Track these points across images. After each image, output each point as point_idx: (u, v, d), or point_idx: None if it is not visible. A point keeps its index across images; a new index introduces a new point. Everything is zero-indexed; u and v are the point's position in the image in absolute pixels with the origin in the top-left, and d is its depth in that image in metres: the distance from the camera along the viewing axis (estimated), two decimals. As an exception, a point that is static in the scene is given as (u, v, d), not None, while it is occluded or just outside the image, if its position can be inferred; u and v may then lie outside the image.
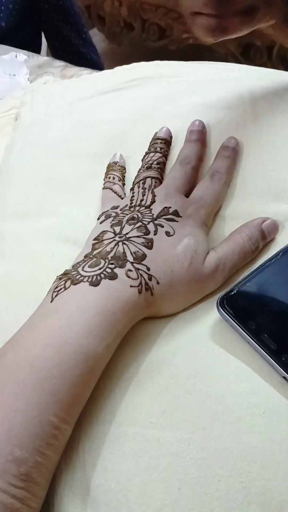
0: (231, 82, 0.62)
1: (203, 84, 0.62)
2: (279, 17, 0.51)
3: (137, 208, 0.47)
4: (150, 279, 0.42)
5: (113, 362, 0.41)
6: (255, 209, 0.49)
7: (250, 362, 0.40)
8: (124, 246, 0.43)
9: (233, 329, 0.41)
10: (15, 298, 0.47)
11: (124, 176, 0.54)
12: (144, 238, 0.44)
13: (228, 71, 0.65)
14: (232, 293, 0.42)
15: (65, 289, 0.40)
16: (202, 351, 0.41)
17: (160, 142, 0.55)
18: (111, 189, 0.52)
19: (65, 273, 0.42)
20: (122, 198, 0.51)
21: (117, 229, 0.45)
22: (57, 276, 0.43)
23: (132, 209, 0.47)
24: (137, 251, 0.43)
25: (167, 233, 0.44)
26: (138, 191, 0.49)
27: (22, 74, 0.80)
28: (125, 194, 0.52)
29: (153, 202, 0.47)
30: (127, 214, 0.47)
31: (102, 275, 0.41)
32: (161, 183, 0.51)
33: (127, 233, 0.44)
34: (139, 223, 0.45)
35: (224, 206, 0.50)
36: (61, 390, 0.35)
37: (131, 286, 0.41)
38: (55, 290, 0.41)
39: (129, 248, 0.43)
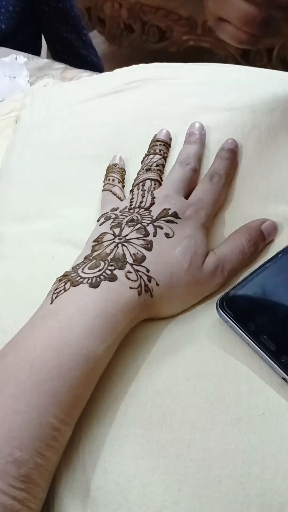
0: (230, 84, 0.62)
1: (202, 86, 0.62)
2: None
3: (136, 210, 0.47)
4: (149, 280, 0.42)
5: (113, 363, 0.41)
6: (254, 211, 0.49)
7: (250, 363, 0.40)
8: (124, 248, 0.43)
9: (232, 330, 0.41)
10: (15, 299, 0.47)
11: (124, 178, 0.55)
12: (143, 240, 0.44)
13: (227, 73, 0.65)
14: (232, 294, 0.42)
15: (65, 290, 0.40)
16: (202, 352, 0.41)
17: (160, 144, 0.55)
18: (111, 191, 0.52)
19: (65, 275, 0.42)
20: (122, 200, 0.51)
21: (117, 231, 0.45)
22: (57, 278, 0.43)
23: (131, 211, 0.47)
24: (137, 253, 0.43)
25: (167, 235, 0.45)
26: (138, 193, 0.49)
27: (22, 76, 0.80)
28: (124, 196, 0.52)
29: (152, 204, 0.48)
30: (126, 216, 0.47)
31: (102, 277, 0.41)
32: (160, 185, 0.51)
33: (126, 235, 0.45)
34: (139, 225, 0.45)
35: (223, 208, 0.51)
36: (61, 391, 0.35)
37: (130, 288, 0.41)
38: (55, 291, 0.41)
39: (128, 250, 0.43)
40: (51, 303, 0.40)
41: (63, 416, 0.35)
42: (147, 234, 0.44)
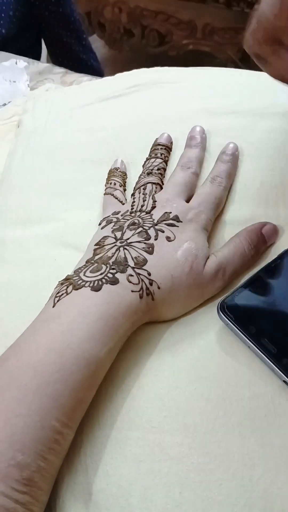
0: (231, 88, 0.62)
1: (203, 90, 0.63)
2: None
3: (138, 213, 0.47)
4: (151, 284, 0.42)
5: (115, 366, 0.41)
6: (255, 214, 0.49)
7: (251, 366, 0.40)
8: (125, 251, 0.43)
9: (233, 333, 0.41)
10: (17, 303, 0.47)
11: (125, 182, 0.55)
12: (145, 243, 0.44)
13: (228, 77, 0.65)
14: (233, 297, 0.42)
15: (67, 294, 0.41)
16: (203, 355, 0.41)
17: (161, 148, 0.55)
18: (112, 194, 0.52)
19: (66, 278, 0.42)
20: (123, 204, 0.51)
21: (118, 234, 0.45)
22: (59, 281, 0.43)
23: (133, 214, 0.48)
24: (138, 256, 0.43)
25: (168, 238, 0.45)
26: (139, 197, 0.49)
27: (22, 81, 0.80)
28: (126, 199, 0.52)
29: (153, 207, 0.48)
30: (128, 220, 0.47)
31: (104, 280, 0.41)
32: (161, 188, 0.51)
33: (128, 238, 0.45)
34: (140, 229, 0.45)
35: (224, 211, 0.51)
36: (63, 395, 0.36)
37: (132, 291, 0.41)
38: (57, 295, 0.41)
39: (130, 253, 0.43)
40: (53, 307, 0.40)
41: (65, 419, 0.35)
42: (148, 237, 0.44)
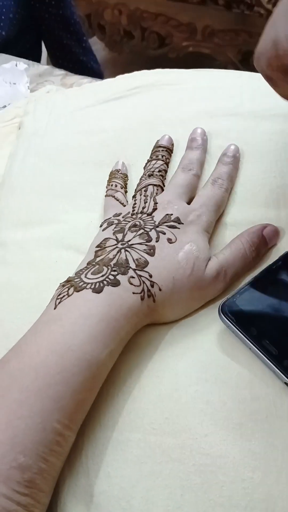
0: (232, 89, 0.62)
1: (204, 92, 0.63)
2: None
3: (139, 215, 0.48)
4: (152, 285, 0.42)
5: (116, 368, 0.41)
6: (256, 216, 0.49)
7: (252, 368, 0.40)
8: (127, 253, 0.43)
9: (234, 335, 0.41)
10: (18, 305, 0.47)
11: (126, 184, 0.55)
12: (146, 245, 0.44)
13: (229, 78, 0.65)
14: (234, 299, 0.42)
15: (68, 296, 0.41)
16: (204, 357, 0.41)
17: (162, 150, 0.55)
18: (114, 196, 0.52)
19: (68, 280, 0.42)
20: (125, 206, 0.51)
21: (120, 236, 0.45)
22: (60, 283, 0.43)
23: (134, 216, 0.48)
24: (139, 258, 0.43)
25: (169, 240, 0.45)
26: (140, 199, 0.49)
27: (22, 83, 0.81)
28: (127, 201, 0.52)
29: (155, 209, 0.48)
30: (129, 222, 0.47)
31: (105, 282, 0.41)
32: (162, 190, 0.51)
33: (129, 240, 0.45)
34: (141, 230, 0.45)
35: (225, 213, 0.51)
36: (64, 396, 0.36)
37: (133, 293, 0.41)
38: (58, 297, 0.41)
39: (131, 255, 0.43)
40: (54, 309, 0.40)
41: (66, 421, 0.35)
42: (149, 239, 0.45)
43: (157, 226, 0.46)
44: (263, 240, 0.47)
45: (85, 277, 0.42)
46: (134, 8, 1.85)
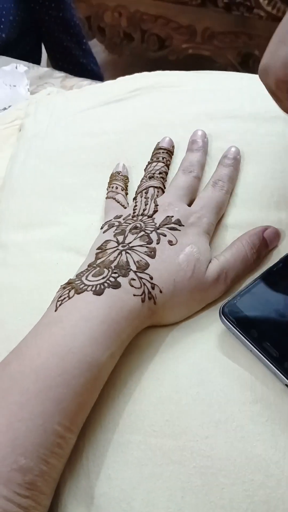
0: (232, 91, 0.62)
1: (204, 94, 0.63)
2: None
3: (139, 217, 0.48)
4: (153, 288, 0.42)
5: (117, 370, 0.41)
6: (257, 218, 0.49)
7: (253, 370, 0.40)
8: (127, 255, 0.43)
9: (235, 337, 0.41)
10: (19, 307, 0.47)
11: (127, 186, 0.55)
12: (147, 247, 0.44)
13: (229, 80, 0.65)
14: (234, 301, 0.42)
15: (69, 298, 0.41)
16: (205, 359, 0.41)
17: (162, 152, 0.55)
18: (114, 198, 0.52)
19: (68, 283, 0.42)
20: (125, 208, 0.51)
21: (120, 238, 0.45)
22: (61, 285, 0.43)
23: (135, 218, 0.48)
24: (140, 260, 0.43)
25: (170, 242, 0.45)
26: (141, 201, 0.49)
27: (22, 85, 0.81)
28: (128, 203, 0.52)
29: (155, 211, 0.48)
30: (130, 224, 0.47)
31: (106, 284, 0.41)
32: (163, 192, 0.51)
33: (130, 242, 0.45)
34: (142, 233, 0.45)
35: (226, 215, 0.51)
36: (65, 399, 0.36)
37: (134, 295, 0.41)
38: (59, 299, 0.41)
39: (132, 257, 0.43)
40: (55, 311, 0.40)
41: (67, 423, 0.35)
42: (150, 241, 0.45)
43: (158, 228, 0.46)
44: (264, 242, 0.47)
45: (86, 279, 0.42)
46: (134, 10, 1.86)
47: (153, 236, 0.45)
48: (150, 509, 0.35)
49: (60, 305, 0.40)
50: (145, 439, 0.38)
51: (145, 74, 0.68)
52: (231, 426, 0.37)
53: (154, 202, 0.49)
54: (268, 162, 0.53)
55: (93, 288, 0.41)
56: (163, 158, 0.55)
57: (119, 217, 0.49)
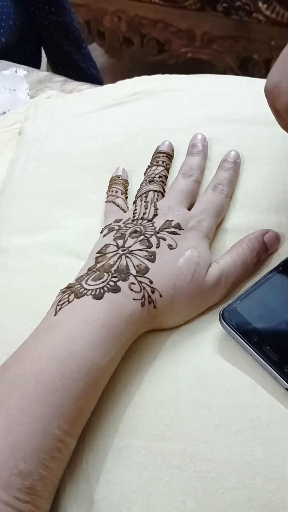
0: (232, 95, 0.62)
1: (204, 98, 0.63)
2: None
3: (139, 221, 0.48)
4: (153, 292, 0.42)
5: (117, 374, 0.41)
6: (257, 221, 0.50)
7: (253, 374, 0.40)
8: (127, 259, 0.43)
9: (235, 341, 0.41)
10: (19, 311, 0.47)
11: (127, 190, 0.55)
12: (146, 251, 0.44)
13: (229, 84, 0.66)
14: (234, 305, 0.42)
15: (69, 302, 0.41)
16: (205, 363, 0.41)
17: (162, 156, 0.56)
18: (114, 202, 0.52)
19: (68, 287, 0.42)
20: (125, 212, 0.51)
21: (120, 242, 0.45)
22: (60, 290, 0.43)
23: (134, 222, 0.48)
24: (140, 264, 0.43)
25: (170, 246, 0.45)
26: (141, 205, 0.49)
27: (22, 89, 0.81)
28: (127, 207, 0.52)
29: (155, 215, 0.48)
30: (129, 228, 0.47)
31: (106, 288, 0.41)
32: (163, 196, 0.51)
33: (130, 247, 0.45)
34: (142, 237, 0.45)
35: (226, 219, 0.51)
36: (65, 403, 0.35)
37: (134, 299, 0.41)
38: (59, 303, 0.41)
39: (132, 261, 0.43)
40: (55, 315, 0.40)
41: (67, 427, 0.35)
42: (150, 245, 0.44)
43: (158, 232, 0.46)
44: (264, 245, 0.47)
45: (86, 283, 0.42)
46: (133, 14, 1.86)
47: (153, 240, 0.45)
48: (150, 513, 0.35)
49: (59, 309, 0.40)
50: (145, 443, 0.38)
51: (145, 78, 0.68)
52: (231, 430, 0.37)
53: (154, 206, 0.49)
54: (268, 166, 0.53)
55: (93, 292, 0.41)
56: (163, 162, 0.55)
57: (119, 221, 0.49)
